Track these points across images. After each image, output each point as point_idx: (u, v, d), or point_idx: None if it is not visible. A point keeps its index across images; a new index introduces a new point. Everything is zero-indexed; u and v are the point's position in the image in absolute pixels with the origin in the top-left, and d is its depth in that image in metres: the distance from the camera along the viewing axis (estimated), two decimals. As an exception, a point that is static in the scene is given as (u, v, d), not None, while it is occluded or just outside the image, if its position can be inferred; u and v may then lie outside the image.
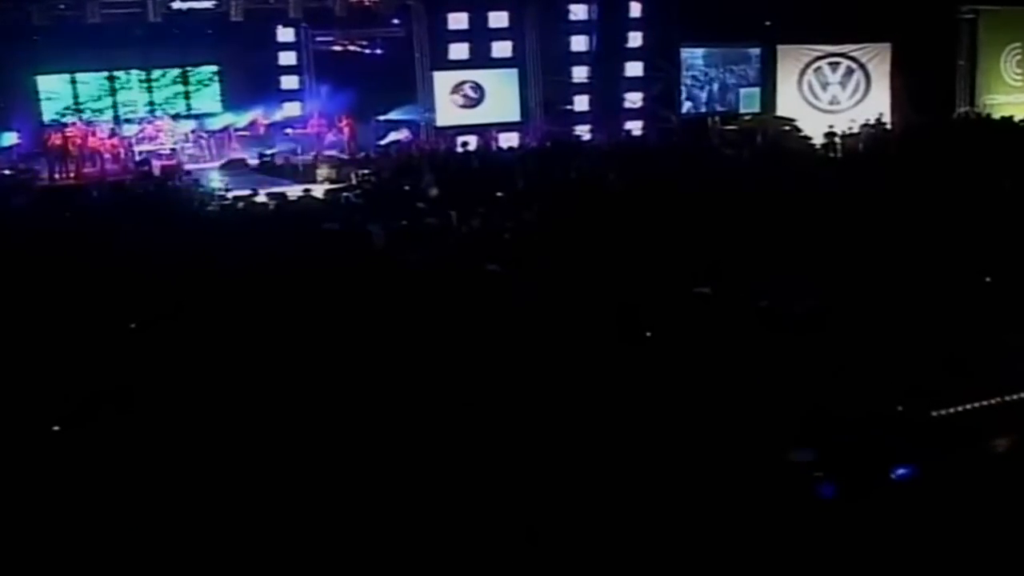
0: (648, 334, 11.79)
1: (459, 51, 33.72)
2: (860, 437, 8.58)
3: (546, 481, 8.04)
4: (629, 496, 7.85)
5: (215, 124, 35.49)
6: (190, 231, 19.86)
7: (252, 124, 35.28)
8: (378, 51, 36.41)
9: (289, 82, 36.01)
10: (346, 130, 34.44)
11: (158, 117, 34.80)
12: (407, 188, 24.35)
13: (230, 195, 25.83)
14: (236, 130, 35.20)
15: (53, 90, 34.28)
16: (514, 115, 34.25)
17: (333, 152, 33.42)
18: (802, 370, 10.36)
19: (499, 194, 22.09)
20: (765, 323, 12.22)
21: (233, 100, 35.81)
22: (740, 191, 21.22)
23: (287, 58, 35.83)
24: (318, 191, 25.94)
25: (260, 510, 7.72)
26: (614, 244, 15.96)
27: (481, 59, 33.95)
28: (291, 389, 10.13)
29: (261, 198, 24.80)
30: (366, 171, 28.11)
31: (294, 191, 25.79)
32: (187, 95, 35.86)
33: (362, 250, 17.24)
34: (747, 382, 10.26)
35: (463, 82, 34.12)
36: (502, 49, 34.06)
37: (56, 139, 32.45)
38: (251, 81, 35.48)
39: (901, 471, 8.10)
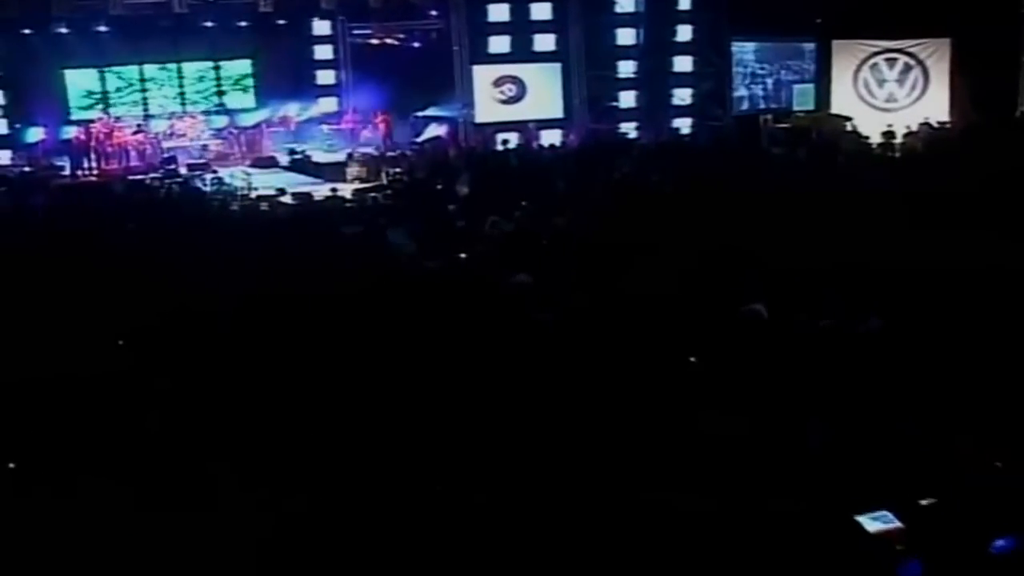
0: (692, 359, 10.18)
1: (499, 44, 32.17)
2: (951, 499, 6.90)
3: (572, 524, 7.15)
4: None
5: (248, 120, 34.33)
6: (204, 234, 18.50)
7: (283, 120, 34.06)
8: (415, 44, 35.04)
9: (325, 77, 35.13)
10: (381, 127, 33.21)
11: (188, 112, 33.62)
12: (440, 188, 22.86)
13: (253, 195, 24.50)
14: (269, 126, 33.93)
15: (81, 84, 33.38)
16: (556, 112, 32.66)
17: (368, 150, 32.07)
18: (874, 408, 8.78)
19: (534, 196, 20.45)
20: (827, 347, 10.60)
21: (267, 95, 34.79)
22: (796, 194, 19.54)
23: (323, 52, 34.94)
24: (346, 190, 24.51)
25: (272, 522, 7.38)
26: (657, 253, 14.32)
27: (523, 53, 32.40)
28: (289, 411, 9.26)
29: (286, 198, 23.40)
30: (397, 170, 26.67)
31: (321, 190, 24.42)
32: (219, 90, 34.85)
33: (381, 257, 15.79)
34: (809, 421, 8.76)
35: (503, 77, 32.50)
36: (545, 42, 32.46)
37: (80, 134, 31.25)
38: (286, 76, 34.59)
39: (1001, 543, 6.42)
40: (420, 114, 33.81)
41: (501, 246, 16.36)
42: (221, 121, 34.20)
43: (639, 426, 8.71)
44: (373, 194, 22.37)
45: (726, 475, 7.77)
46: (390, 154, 30.79)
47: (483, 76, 32.54)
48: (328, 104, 34.83)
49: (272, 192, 24.43)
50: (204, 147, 32.95)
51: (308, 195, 23.42)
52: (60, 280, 13.84)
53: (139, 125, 32.62)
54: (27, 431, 9.02)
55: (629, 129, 32.70)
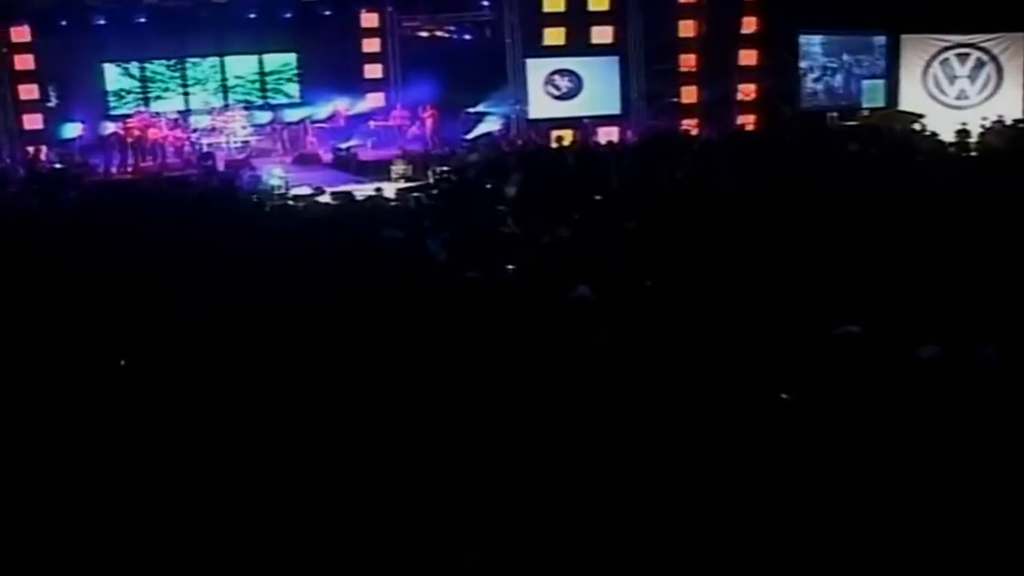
0: (784, 396, 8.58)
1: (555, 36, 30.40)
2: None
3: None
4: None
5: (292, 116, 33.06)
6: (232, 234, 17.06)
7: (333, 116, 32.74)
8: (466, 36, 33.54)
9: (372, 71, 33.65)
10: (428, 123, 31.66)
11: (230, 107, 32.25)
12: (489, 188, 21.34)
13: (289, 193, 23.11)
14: (313, 122, 32.58)
15: (120, 78, 32.63)
16: (614, 107, 31.04)
17: (416, 147, 30.68)
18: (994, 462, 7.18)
19: (596, 197, 18.88)
20: (940, 380, 8.95)
21: (312, 90, 33.50)
22: (875, 198, 17.76)
23: (371, 45, 33.49)
24: (390, 190, 23.04)
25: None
26: (731, 264, 12.71)
27: (579, 45, 30.78)
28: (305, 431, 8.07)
29: (324, 197, 21.98)
30: (445, 168, 25.15)
31: (364, 189, 22.97)
32: (263, 84, 33.81)
33: (423, 265, 14.29)
34: (918, 475, 7.14)
35: (559, 70, 30.91)
36: (602, 34, 30.80)
37: (114, 129, 29.96)
38: (331, 70, 33.05)
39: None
40: (471, 110, 32.49)
41: (557, 254, 14.77)
42: (264, 117, 33.04)
43: (720, 480, 7.19)
44: (417, 194, 20.79)
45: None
46: (438, 152, 29.19)
47: (537, 70, 30.97)
48: (375, 99, 33.43)
49: (310, 191, 22.87)
50: (245, 143, 31.71)
51: (349, 194, 21.91)
52: (73, 284, 12.79)
53: (176, 120, 31.30)
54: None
55: (690, 126, 30.87)
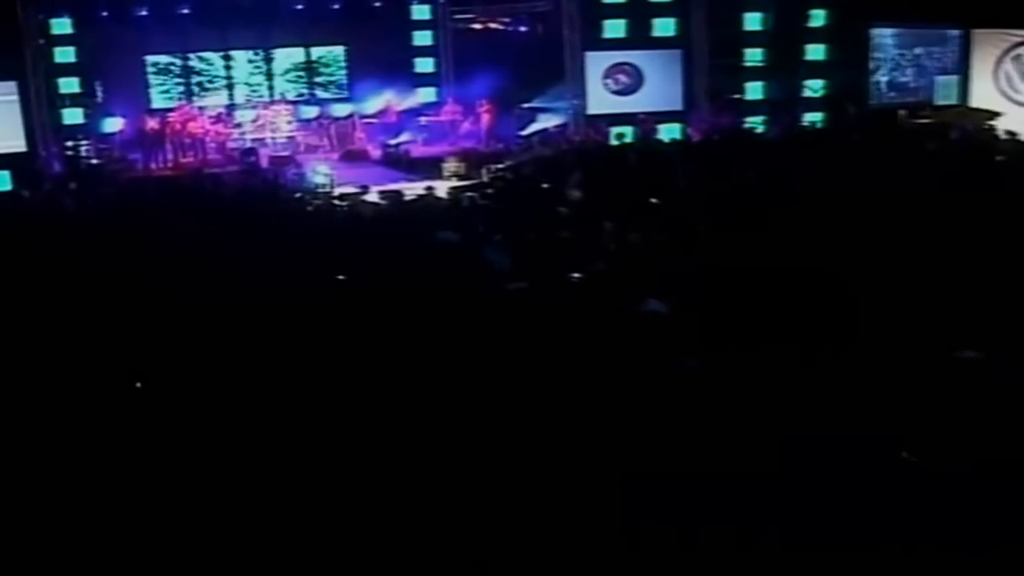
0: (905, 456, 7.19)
1: (615, 28, 28.97)
2: None
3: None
4: None
5: (341, 111, 31.80)
6: (272, 235, 15.85)
7: (384, 111, 31.35)
8: (522, 28, 32.17)
9: (424, 64, 32.40)
10: (484, 119, 30.33)
11: (276, 102, 31.05)
12: (547, 188, 20.04)
13: (335, 191, 21.88)
14: (362, 118, 31.26)
15: (163, 72, 31.44)
16: (675, 103, 29.53)
17: (469, 144, 29.55)
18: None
19: (656, 200, 17.49)
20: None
21: (360, 84, 32.11)
22: (956, 202, 16.27)
23: (422, 38, 32.27)
24: (442, 189, 21.77)
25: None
26: (818, 273, 11.13)
27: (640, 38, 29.32)
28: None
29: (371, 196, 20.72)
30: (500, 166, 23.81)
31: (414, 188, 21.72)
32: (310, 78, 32.56)
33: (480, 271, 13.01)
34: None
35: (619, 64, 29.50)
36: (664, 27, 29.39)
37: (153, 124, 28.82)
38: (381, 63, 31.78)
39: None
40: (525, 105, 31.10)
41: (627, 263, 13.45)
42: (311, 112, 31.78)
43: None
44: (470, 194, 19.45)
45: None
46: (492, 149, 27.91)
47: (596, 63, 29.48)
48: (426, 94, 32.14)
49: (355, 190, 21.63)
50: (290, 139, 30.53)
51: (398, 193, 20.70)
52: (106, 287, 12.18)
53: (219, 114, 30.16)
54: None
55: (755, 123, 29.40)
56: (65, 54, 28.98)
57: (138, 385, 9.25)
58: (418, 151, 29.51)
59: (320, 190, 22.70)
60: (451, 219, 17.12)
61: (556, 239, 15.00)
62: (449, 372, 8.58)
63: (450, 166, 25.23)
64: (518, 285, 12.20)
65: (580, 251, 13.93)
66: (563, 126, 29.89)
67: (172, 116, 29.19)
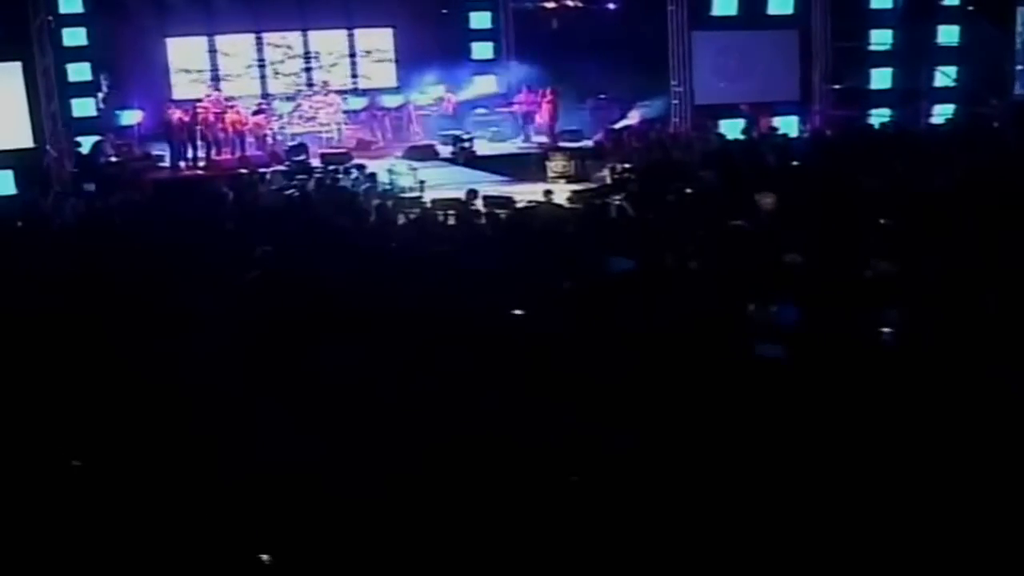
0: None
1: (725, 5, 24.73)
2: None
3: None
4: None
5: (391, 102, 27.98)
6: (370, 265, 11.71)
7: (440, 101, 27.63)
8: (610, 5, 27.98)
9: (481, 50, 29.22)
10: (546, 108, 26.45)
11: (318, 91, 27.00)
12: (690, 194, 15.89)
13: (426, 198, 17.71)
14: (417, 108, 27.22)
15: (186, 56, 27.67)
16: (792, 92, 25.42)
17: (542, 138, 26.01)
18: None
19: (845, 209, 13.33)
20: None
21: (411, 72, 28.37)
22: None
23: (480, 19, 29.08)
24: (558, 194, 17.64)
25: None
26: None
27: (753, 17, 25.26)
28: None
29: (476, 202, 16.54)
30: (626, 166, 19.56)
31: (519, 193, 17.61)
32: (353, 65, 28.93)
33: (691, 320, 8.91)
34: None
35: (730, 46, 25.19)
36: (781, 3, 25.20)
37: (182, 116, 24.47)
38: (434, 48, 28.45)
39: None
40: (602, 96, 27.69)
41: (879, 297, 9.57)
42: (358, 102, 27.87)
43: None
44: (616, 201, 15.07)
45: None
46: (588, 143, 24.04)
47: (705, 45, 25.15)
48: (485, 84, 28.55)
49: (454, 195, 17.44)
50: (337, 133, 26.66)
51: (509, 200, 16.53)
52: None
53: (259, 104, 26.16)
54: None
55: (881, 115, 25.28)
56: (75, 36, 24.53)
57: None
58: (486, 147, 25.83)
59: (405, 195, 18.50)
60: (609, 236, 12.94)
61: (777, 265, 10.76)
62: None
63: (556, 165, 21.02)
64: (772, 349, 8.44)
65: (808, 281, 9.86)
66: (656, 119, 25.54)
67: (203, 106, 24.84)
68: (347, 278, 10.70)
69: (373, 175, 19.48)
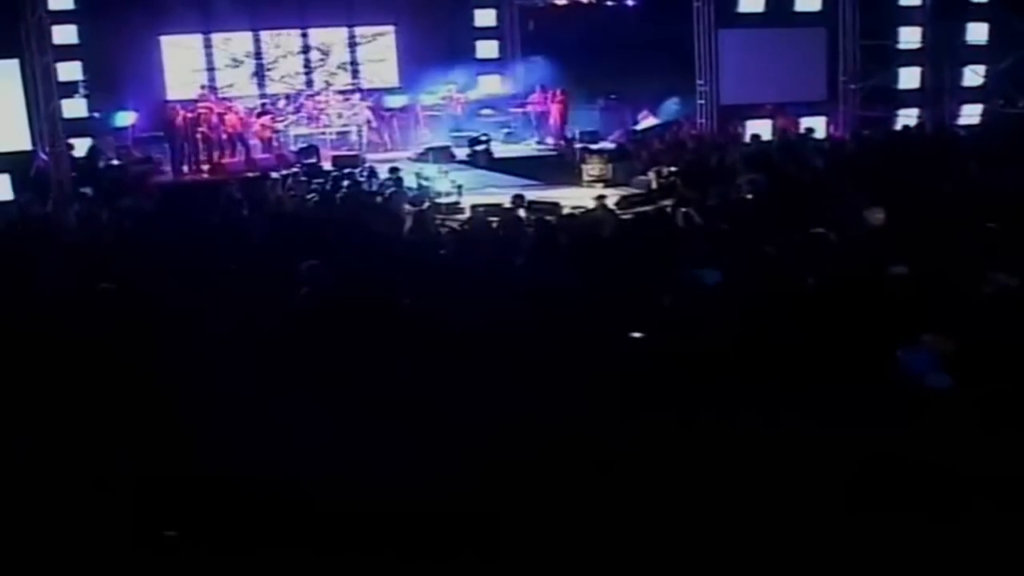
0: None
1: (752, 2, 23.65)
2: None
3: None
4: None
5: (395, 102, 27.03)
6: (430, 276, 10.65)
7: (448, 101, 26.65)
8: (628, 1, 27.01)
9: (486, 49, 28.46)
10: (555, 109, 25.66)
11: (318, 91, 26.01)
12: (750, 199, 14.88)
13: (463, 203, 16.66)
14: (424, 108, 26.36)
15: (181, 54, 26.73)
16: (818, 92, 24.39)
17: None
18: None
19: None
20: None
21: (412, 71, 27.42)
22: None
23: (484, 17, 28.40)
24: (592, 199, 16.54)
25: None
26: None
27: (780, 13, 24.20)
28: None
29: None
30: (672, 169, 18.46)
31: (563, 198, 16.57)
32: (354, 63, 28.06)
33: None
34: None
35: (756, 44, 24.14)
36: (808, 0, 23.94)
37: (184, 117, 23.24)
38: (436, 46, 27.53)
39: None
40: (612, 96, 26.96)
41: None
42: (398, 100, 27.02)
43: None
44: (682, 208, 13.87)
45: None
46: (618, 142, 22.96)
47: (731, 43, 24.08)
48: (495, 83, 27.73)
49: (493, 200, 16.40)
50: (342, 135, 25.77)
51: (553, 206, 15.47)
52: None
53: (263, 105, 25.03)
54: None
55: (908, 116, 24.36)
56: (65, 33, 23.28)
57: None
58: (500, 149, 24.76)
59: (442, 200, 17.42)
60: (683, 247, 11.90)
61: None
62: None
63: (593, 169, 19.81)
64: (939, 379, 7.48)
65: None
66: (675, 122, 24.50)
67: (203, 107, 23.65)
68: (426, 298, 9.63)
69: (400, 179, 18.30)
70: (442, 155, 23.00)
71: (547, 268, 11.14)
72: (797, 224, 12.24)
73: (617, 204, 16.15)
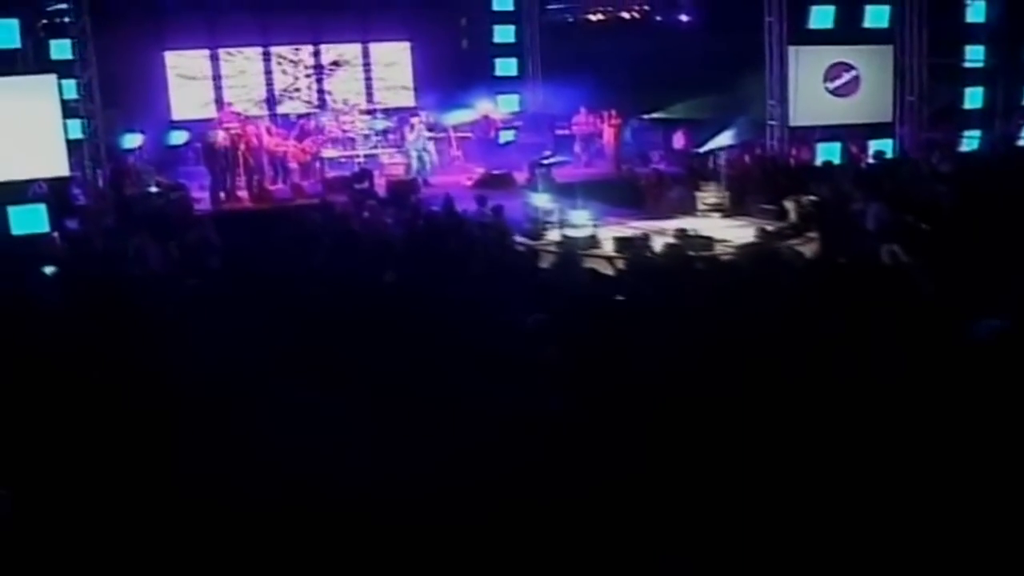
0: None
1: (823, 17, 22.36)
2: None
3: None
4: None
5: (454, 118, 25.47)
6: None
7: (481, 122, 25.41)
8: (682, 17, 25.72)
9: (505, 67, 27.09)
10: (609, 132, 24.52)
11: (342, 110, 24.92)
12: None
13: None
14: (456, 130, 25.07)
15: (186, 72, 25.79)
16: (885, 113, 23.14)
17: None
18: None
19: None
20: None
21: (427, 89, 26.38)
22: None
23: (503, 34, 26.95)
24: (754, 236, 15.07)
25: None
26: None
27: (849, 29, 22.69)
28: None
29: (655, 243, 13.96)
30: (811, 198, 17.00)
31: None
32: (368, 81, 27.15)
33: None
34: None
35: (837, 64, 22.79)
36: (877, 16, 22.81)
37: (221, 138, 21.34)
38: (452, 64, 26.94)
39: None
40: (657, 114, 26.09)
41: None
42: (380, 124, 25.02)
43: None
44: (888, 247, 12.41)
45: None
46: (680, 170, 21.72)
47: (807, 61, 22.65)
48: (508, 103, 26.39)
49: (623, 233, 14.93)
50: (369, 157, 23.96)
51: (709, 241, 14.00)
52: None
53: (302, 126, 23.69)
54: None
55: (972, 137, 23.34)
56: (62, 48, 21.27)
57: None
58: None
59: (577, 233, 15.86)
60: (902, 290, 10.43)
61: None
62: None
63: (708, 197, 18.28)
64: None
65: None
66: (747, 143, 23.17)
67: (244, 127, 21.84)
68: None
69: (499, 208, 16.61)
70: (504, 182, 21.34)
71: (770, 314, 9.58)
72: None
73: (757, 237, 14.63)
